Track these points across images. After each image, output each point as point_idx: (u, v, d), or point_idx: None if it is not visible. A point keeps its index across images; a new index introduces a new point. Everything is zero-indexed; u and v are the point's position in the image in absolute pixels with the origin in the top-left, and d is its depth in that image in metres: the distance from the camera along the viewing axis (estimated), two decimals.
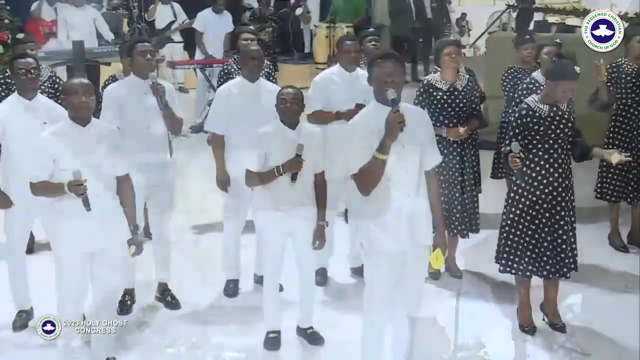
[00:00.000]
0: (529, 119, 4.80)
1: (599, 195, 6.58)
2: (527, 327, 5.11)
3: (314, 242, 4.78)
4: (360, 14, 13.41)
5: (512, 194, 4.98)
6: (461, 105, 5.65)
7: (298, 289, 5.04)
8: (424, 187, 4.11)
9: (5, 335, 5.08)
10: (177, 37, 12.35)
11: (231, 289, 5.72)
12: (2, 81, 5.73)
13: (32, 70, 4.97)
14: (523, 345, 5.02)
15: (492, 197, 6.39)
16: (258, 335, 5.00)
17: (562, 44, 6.26)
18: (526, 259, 4.95)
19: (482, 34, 15.13)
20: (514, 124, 4.85)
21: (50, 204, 4.39)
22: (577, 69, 4.85)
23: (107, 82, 6.05)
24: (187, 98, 12.18)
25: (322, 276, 5.90)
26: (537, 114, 4.81)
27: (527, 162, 4.82)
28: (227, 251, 5.73)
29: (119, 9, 13.03)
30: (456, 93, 5.65)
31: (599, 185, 6.54)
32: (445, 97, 5.63)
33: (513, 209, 4.96)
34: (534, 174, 4.85)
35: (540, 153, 4.83)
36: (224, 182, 5.54)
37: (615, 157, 4.90)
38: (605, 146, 6.21)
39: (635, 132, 6.35)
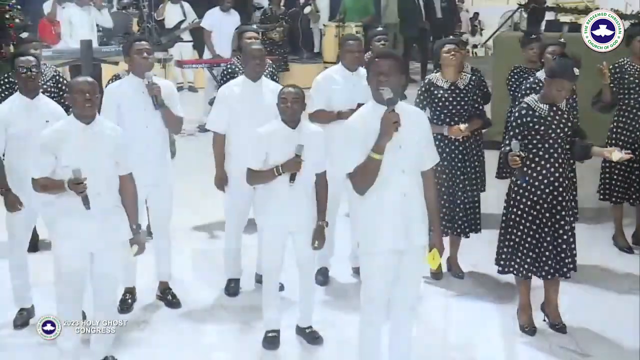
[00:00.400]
0: (528, 119, 4.79)
1: (602, 197, 6.55)
2: (527, 328, 5.09)
3: (313, 242, 4.77)
4: (370, 13, 13.40)
5: (512, 194, 4.96)
6: (462, 103, 5.64)
7: (298, 288, 5.04)
8: (420, 187, 4.10)
9: (6, 334, 5.10)
10: (186, 36, 12.40)
11: (232, 288, 5.72)
12: (7, 80, 5.76)
13: (32, 69, 4.98)
14: (523, 346, 4.99)
15: (497, 196, 6.36)
16: (258, 335, 5.00)
17: (566, 44, 6.23)
18: (526, 260, 4.93)
19: (494, 34, 15.05)
20: (514, 123, 4.83)
21: (51, 202, 4.41)
22: (577, 71, 4.82)
23: (110, 81, 6.08)
24: (196, 97, 12.23)
25: (323, 276, 5.91)
26: (536, 114, 4.79)
27: (527, 162, 4.80)
28: (229, 250, 5.73)
29: (129, 8, 13.10)
30: (457, 91, 5.64)
31: (601, 186, 6.51)
32: (446, 96, 5.62)
33: (513, 209, 4.94)
34: (534, 174, 4.83)
35: (540, 153, 4.81)
36: (221, 181, 5.54)
37: (616, 154, 4.87)
38: (607, 146, 6.17)
39: (638, 133, 6.32)
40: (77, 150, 4.23)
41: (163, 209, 5.46)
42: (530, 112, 4.80)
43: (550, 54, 5.96)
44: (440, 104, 5.63)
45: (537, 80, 5.90)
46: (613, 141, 6.37)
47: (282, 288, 5.51)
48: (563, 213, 4.87)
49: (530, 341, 5.02)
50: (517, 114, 4.84)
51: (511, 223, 4.97)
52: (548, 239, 4.88)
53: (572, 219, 4.95)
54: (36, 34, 9.52)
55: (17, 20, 10.15)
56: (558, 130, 4.79)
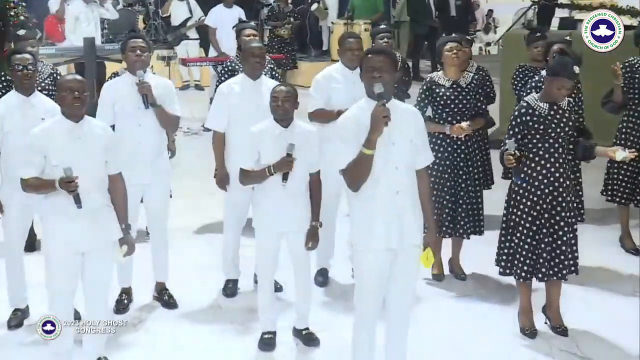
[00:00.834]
0: (528, 117, 4.72)
1: (608, 198, 6.46)
2: (528, 331, 5.02)
3: (306, 243, 4.70)
4: (379, 11, 13.33)
5: (512, 195, 4.90)
6: (464, 102, 5.56)
7: (294, 289, 4.98)
8: (414, 186, 4.04)
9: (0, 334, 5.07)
10: (192, 34, 12.36)
11: (230, 289, 5.66)
12: (4, 78, 5.72)
13: (28, 67, 4.94)
14: (524, 349, 4.91)
15: (502, 197, 6.27)
16: (255, 336, 4.95)
17: (571, 42, 6.12)
18: (525, 262, 4.85)
19: (507, 31, 14.94)
20: (513, 122, 4.77)
21: (41, 201, 4.36)
22: (577, 69, 4.73)
23: (109, 79, 6.04)
24: (203, 96, 12.19)
25: (323, 277, 5.85)
26: (536, 112, 4.72)
27: (527, 162, 4.74)
28: (227, 251, 5.67)
29: (135, 5, 13.08)
30: (459, 90, 5.56)
31: (608, 187, 6.42)
32: (447, 94, 5.54)
33: (513, 210, 4.88)
34: (534, 174, 4.76)
35: (540, 152, 4.74)
36: (222, 180, 5.48)
37: (620, 154, 4.80)
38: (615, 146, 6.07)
39: None
40: (65, 149, 4.18)
41: (159, 208, 5.39)
42: (530, 111, 4.73)
43: (556, 53, 5.85)
44: (442, 102, 5.55)
45: (542, 79, 5.78)
46: (622, 141, 6.26)
47: (280, 289, 5.47)
48: (563, 214, 4.79)
49: (531, 344, 4.94)
50: (516, 113, 4.78)
51: (511, 224, 4.90)
52: (547, 240, 4.80)
53: (573, 220, 4.87)
54: (39, 31, 9.49)
55: (22, 17, 10.14)
56: (558, 130, 4.71)
